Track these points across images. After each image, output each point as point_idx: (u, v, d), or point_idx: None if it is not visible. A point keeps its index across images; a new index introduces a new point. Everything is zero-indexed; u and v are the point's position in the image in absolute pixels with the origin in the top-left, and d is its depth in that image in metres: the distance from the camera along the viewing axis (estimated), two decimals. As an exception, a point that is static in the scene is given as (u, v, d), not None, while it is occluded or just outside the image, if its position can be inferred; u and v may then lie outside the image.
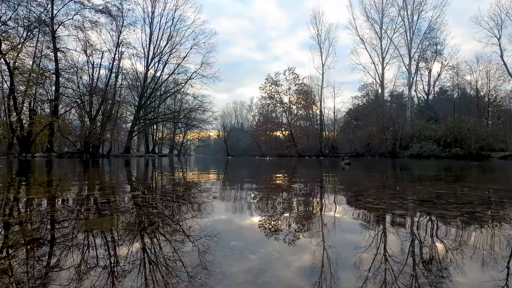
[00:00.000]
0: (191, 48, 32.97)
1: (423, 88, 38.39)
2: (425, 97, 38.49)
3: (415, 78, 35.58)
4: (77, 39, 25.03)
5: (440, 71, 36.48)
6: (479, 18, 31.44)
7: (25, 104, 23.71)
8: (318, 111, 40.90)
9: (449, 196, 2.79)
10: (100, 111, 26.74)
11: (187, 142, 51.99)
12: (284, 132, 44.91)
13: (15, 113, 22.08)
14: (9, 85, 21.71)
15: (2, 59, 20.48)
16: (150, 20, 31.95)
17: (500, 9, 27.90)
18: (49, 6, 22.78)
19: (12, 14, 20.82)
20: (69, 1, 23.40)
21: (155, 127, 44.99)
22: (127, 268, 1.05)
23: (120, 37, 27.92)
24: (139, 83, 33.98)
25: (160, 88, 35.71)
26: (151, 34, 32.06)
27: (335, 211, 2.12)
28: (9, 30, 21.24)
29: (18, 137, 22.41)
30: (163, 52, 32.36)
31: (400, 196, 2.86)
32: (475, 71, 28.80)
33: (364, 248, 1.29)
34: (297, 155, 35.76)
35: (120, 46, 28.05)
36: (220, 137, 56.30)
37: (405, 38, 33.60)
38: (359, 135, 34.40)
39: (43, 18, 22.43)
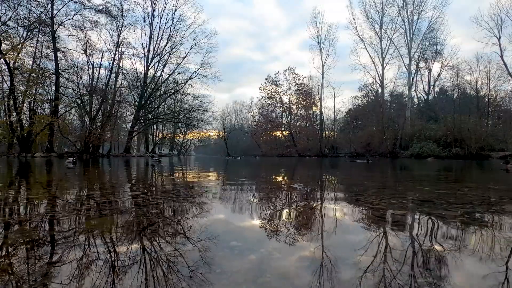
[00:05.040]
0: (191, 48, 33.05)
1: (423, 88, 38.43)
2: (425, 97, 38.50)
3: (415, 78, 35.63)
4: (77, 39, 25.11)
5: (440, 71, 36.52)
6: (479, 18, 31.36)
7: (25, 104, 23.74)
8: (318, 111, 40.97)
9: (449, 196, 2.79)
10: (100, 111, 26.76)
11: (187, 142, 52.00)
12: (284, 132, 44.91)
13: (15, 113, 22.09)
14: (9, 85, 21.73)
15: (2, 59, 20.49)
16: (150, 20, 32.01)
17: (500, 9, 27.88)
18: (49, 6, 22.81)
19: (12, 14, 20.84)
20: (69, 1, 23.44)
21: (155, 127, 45.00)
22: (128, 268, 1.05)
23: (120, 37, 27.99)
24: (139, 83, 34.01)
25: (160, 88, 35.75)
26: (151, 34, 32.11)
27: (335, 211, 2.12)
28: (9, 30, 21.26)
29: (18, 137, 22.41)
30: (163, 52, 32.43)
31: (400, 196, 2.86)
32: (475, 71, 28.68)
33: (364, 248, 1.29)
34: (297, 155, 35.78)
35: (120, 46, 28.11)
36: (220, 137, 56.28)
37: (405, 38, 33.65)
38: (359, 135, 34.41)
39: (43, 18, 22.45)
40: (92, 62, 26.79)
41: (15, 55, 21.05)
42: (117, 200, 2.54)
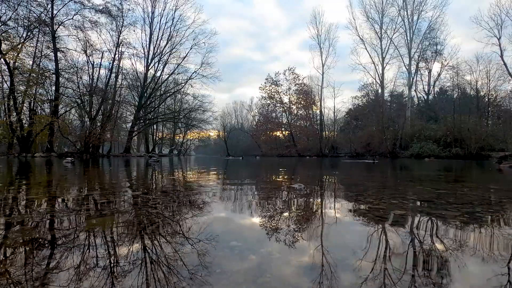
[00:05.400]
0: (191, 48, 33.05)
1: (423, 88, 38.44)
2: (425, 97, 38.51)
3: (415, 78, 35.64)
4: (77, 39, 25.12)
5: (440, 71, 36.53)
6: (479, 18, 31.37)
7: (25, 104, 23.75)
8: (318, 111, 40.97)
9: (449, 196, 2.79)
10: (100, 111, 26.76)
11: (187, 142, 51.99)
12: (284, 132, 44.91)
13: (15, 113, 22.10)
14: (9, 85, 21.73)
15: (2, 59, 20.48)
16: (150, 20, 32.01)
17: (500, 9, 27.85)
18: (49, 6, 22.81)
19: (12, 14, 20.85)
20: (69, 1, 23.44)
21: (155, 127, 44.99)
22: (128, 268, 1.05)
23: (120, 37, 27.99)
24: (139, 83, 34.01)
25: (160, 88, 35.74)
26: (151, 34, 32.10)
27: (335, 211, 2.12)
28: (9, 30, 21.28)
29: (18, 137, 22.42)
30: (163, 52, 32.42)
31: (400, 196, 2.86)
32: (475, 71, 28.67)
33: (363, 248, 1.29)
34: (297, 155, 35.78)
35: (120, 46, 28.12)
36: (220, 137, 56.29)
37: (405, 38, 33.65)
38: (359, 135, 34.41)
39: (43, 18, 22.45)
40: (92, 62, 26.82)
41: (15, 55, 21.06)
42: (116, 200, 2.53)
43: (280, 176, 5.63)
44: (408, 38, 33.42)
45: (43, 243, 1.33)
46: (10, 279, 0.95)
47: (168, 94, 37.66)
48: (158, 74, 33.42)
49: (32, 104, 24.02)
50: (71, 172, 6.40)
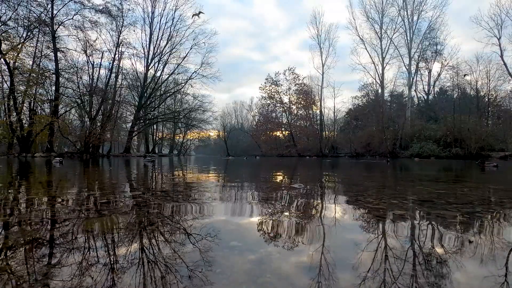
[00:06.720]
0: (191, 48, 33.06)
1: (423, 88, 38.42)
2: (425, 97, 38.48)
3: (415, 78, 35.62)
4: (77, 39, 25.11)
5: (440, 71, 36.51)
6: (479, 18, 31.36)
7: (25, 104, 23.74)
8: (318, 111, 40.98)
9: (449, 196, 2.79)
10: (100, 111, 26.75)
11: (187, 142, 51.99)
12: (284, 132, 44.92)
13: (15, 113, 22.09)
14: (9, 85, 21.72)
15: (2, 59, 20.48)
16: (150, 20, 32.02)
17: (500, 9, 27.89)
18: (49, 6, 22.81)
19: (12, 14, 20.85)
20: (69, 1, 23.44)
21: (155, 127, 44.99)
22: (127, 268, 1.05)
23: (120, 37, 27.98)
24: (139, 83, 34.02)
25: (160, 88, 35.74)
26: (151, 34, 32.11)
27: (335, 211, 2.12)
28: (9, 30, 21.27)
29: (18, 137, 22.41)
30: (163, 52, 32.42)
31: (400, 196, 2.86)
32: (475, 71, 28.70)
33: (363, 248, 1.29)
34: (297, 155, 35.77)
35: (120, 46, 28.10)
36: (220, 137, 56.29)
37: (405, 38, 33.65)
38: (359, 135, 34.41)
39: (43, 18, 22.44)
40: (92, 62, 26.80)
41: (15, 55, 21.05)
42: (116, 200, 2.53)
43: (281, 176, 5.63)
44: (408, 38, 33.45)
45: (43, 243, 1.33)
46: (9, 279, 0.95)
47: (168, 94, 37.67)
48: (158, 74, 33.47)
49: (32, 104, 24.01)
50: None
